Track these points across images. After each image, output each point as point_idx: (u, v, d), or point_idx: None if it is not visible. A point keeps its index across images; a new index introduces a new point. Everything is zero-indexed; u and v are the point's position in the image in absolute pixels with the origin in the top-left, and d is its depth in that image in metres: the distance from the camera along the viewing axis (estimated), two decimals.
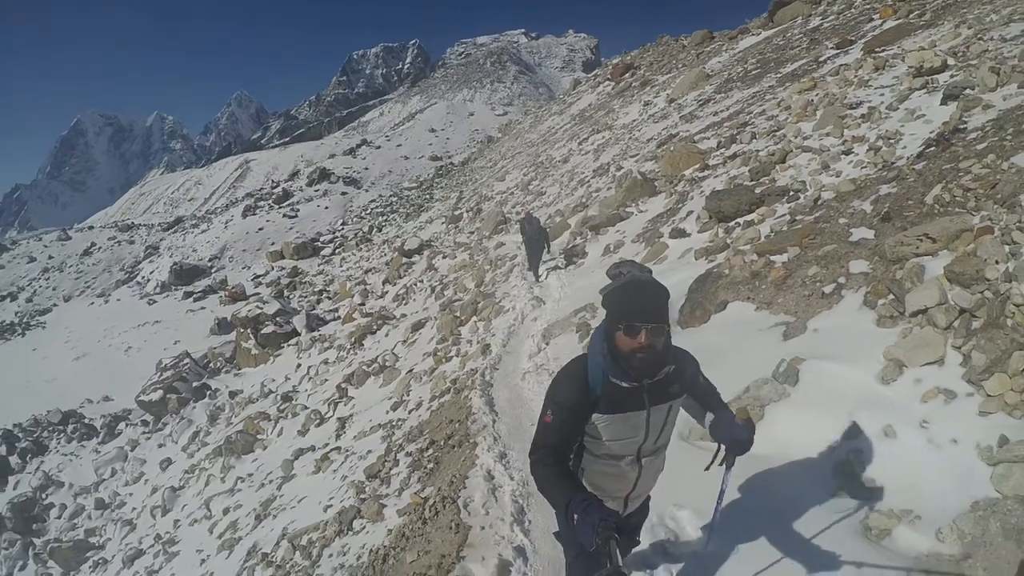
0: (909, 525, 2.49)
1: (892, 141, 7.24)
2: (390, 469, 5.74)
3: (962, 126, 6.28)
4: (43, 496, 20.75)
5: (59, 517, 19.49)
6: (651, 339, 1.87)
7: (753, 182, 8.75)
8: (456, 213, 34.31)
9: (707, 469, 2.35)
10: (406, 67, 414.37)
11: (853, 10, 21.87)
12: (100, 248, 69.71)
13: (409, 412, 7.98)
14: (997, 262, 3.19)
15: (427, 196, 56.05)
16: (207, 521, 10.60)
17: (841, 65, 13.91)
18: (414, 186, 65.64)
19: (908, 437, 2.77)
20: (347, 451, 7.97)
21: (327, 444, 9.19)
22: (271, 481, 9.71)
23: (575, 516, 1.79)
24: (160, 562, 10.63)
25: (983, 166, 4.53)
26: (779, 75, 18.33)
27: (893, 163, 6.26)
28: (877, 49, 13.42)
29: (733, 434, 2.17)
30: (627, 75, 45.42)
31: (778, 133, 10.86)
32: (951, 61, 9.50)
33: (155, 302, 45.26)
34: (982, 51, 9.11)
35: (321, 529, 5.42)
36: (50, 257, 68.29)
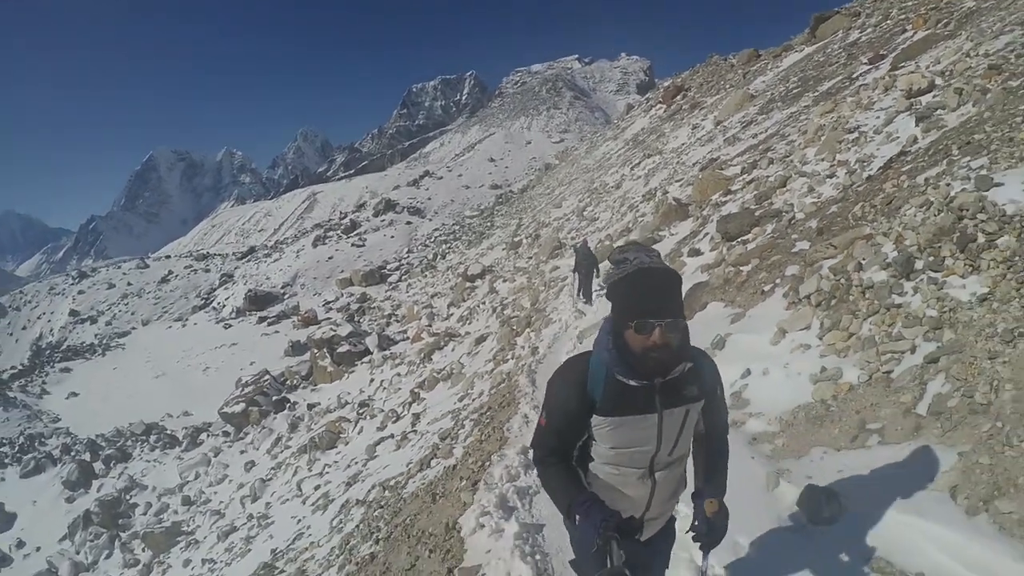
0: (755, 419, 4.16)
1: (864, 164, 8.65)
2: (458, 431, 7.68)
3: (910, 148, 7.75)
4: (128, 497, 22.48)
5: (144, 513, 21.15)
6: (666, 337, 1.70)
7: (757, 206, 10.27)
8: (516, 239, 35.88)
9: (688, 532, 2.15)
10: (464, 98, 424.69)
11: (889, 21, 22.07)
12: (177, 276, 74.11)
13: (473, 400, 9.92)
14: (864, 259, 4.81)
15: (488, 224, 58.01)
16: (298, 499, 12.32)
17: (861, 85, 14.94)
18: (475, 214, 68.18)
19: (775, 374, 4.40)
20: (423, 433, 9.94)
21: (404, 432, 11.17)
22: (357, 462, 11.60)
23: (577, 516, 1.81)
24: (255, 532, 12.26)
25: (893, 185, 6.09)
26: (815, 94, 18.76)
27: (852, 185, 7.79)
28: (901, 64, 13.75)
29: (699, 527, 2.01)
30: (678, 97, 46.22)
31: (788, 159, 12.29)
32: (939, 81, 10.20)
33: (231, 326, 48.25)
34: (965, 69, 9.76)
35: (406, 474, 7.37)
36: (129, 284, 72.74)
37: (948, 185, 4.80)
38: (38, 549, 20.83)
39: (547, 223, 34.64)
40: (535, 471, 4.63)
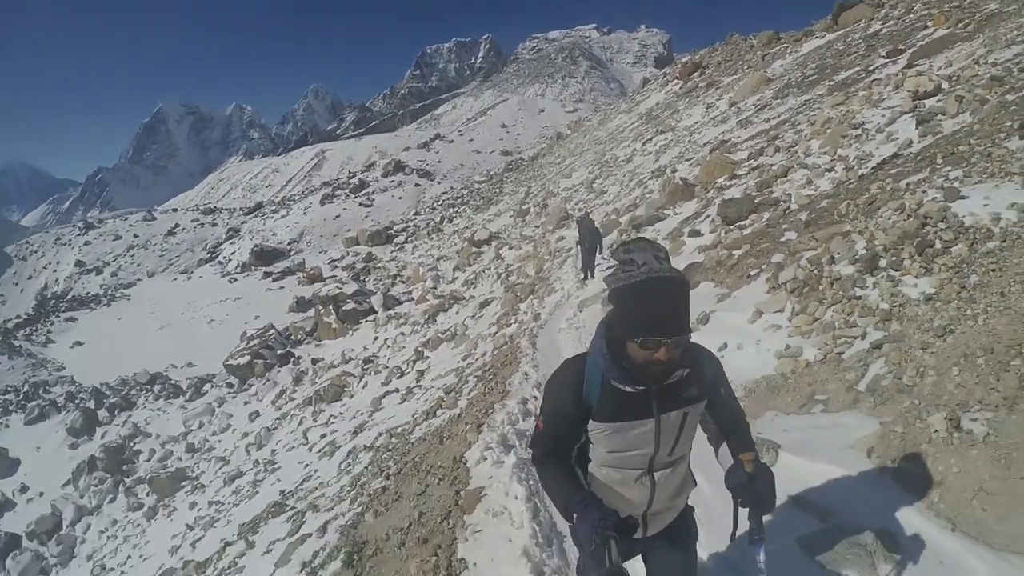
0: None
1: (861, 161, 9.08)
2: (462, 386, 8.33)
3: (904, 151, 8.19)
4: (132, 444, 23.18)
5: (148, 460, 21.80)
6: (672, 353, 1.68)
7: (757, 193, 10.73)
8: (524, 207, 36.32)
9: (732, 539, 2.12)
10: (479, 61, 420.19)
11: (911, 15, 21.86)
12: (184, 229, 75.12)
13: (476, 359, 10.57)
14: (837, 254, 5.34)
15: (497, 190, 58.28)
16: (304, 447, 12.95)
17: (874, 80, 15.16)
18: (484, 180, 68.40)
19: (748, 348, 4.96)
20: (427, 388, 10.61)
21: (409, 387, 11.85)
22: (362, 414, 12.26)
23: (574, 516, 1.80)
24: (261, 476, 12.81)
25: (878, 187, 6.58)
26: (831, 83, 18.67)
27: (846, 182, 8.26)
28: (917, 61, 13.69)
29: (740, 483, 1.91)
30: (695, 74, 45.93)
31: (793, 148, 12.68)
32: (945, 85, 10.36)
33: (236, 280, 49.04)
34: (971, 76, 9.88)
35: (412, 422, 8.03)
36: (135, 236, 73.80)
37: (924, 192, 5.30)
38: (41, 494, 21.48)
39: (556, 193, 35.04)
40: (533, 420, 5.07)
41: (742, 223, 9.62)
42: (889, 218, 5.18)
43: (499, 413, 5.60)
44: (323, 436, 12.61)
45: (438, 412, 7.66)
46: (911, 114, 9.64)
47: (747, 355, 4.84)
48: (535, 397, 6.17)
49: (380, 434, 8.79)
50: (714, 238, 9.96)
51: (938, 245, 4.30)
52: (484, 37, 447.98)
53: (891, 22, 23.10)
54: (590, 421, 1.87)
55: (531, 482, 4.26)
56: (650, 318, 1.63)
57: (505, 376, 7.21)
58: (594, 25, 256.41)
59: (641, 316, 1.65)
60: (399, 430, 8.21)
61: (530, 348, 8.57)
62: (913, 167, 6.76)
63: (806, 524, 2.82)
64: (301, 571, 5.01)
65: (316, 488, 8.05)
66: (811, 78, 21.66)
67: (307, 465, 10.91)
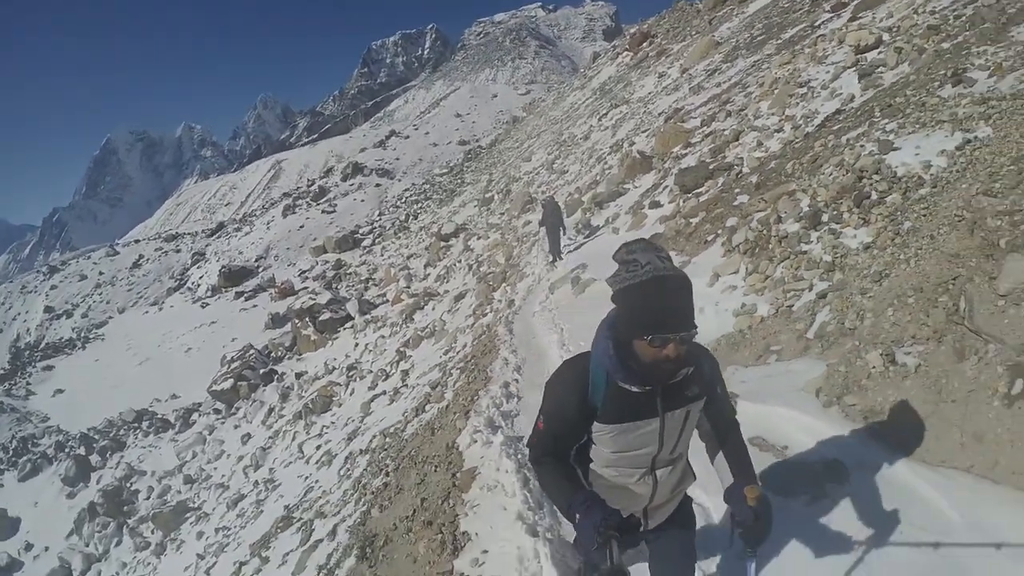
0: None
1: (808, 120, 9.42)
2: (447, 379, 8.62)
3: (846, 107, 8.57)
4: (129, 484, 22.95)
5: (147, 498, 21.64)
6: (680, 350, 1.68)
7: (711, 159, 11.08)
8: (487, 196, 36.51)
9: (730, 547, 2.17)
10: (426, 52, 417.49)
11: None
12: (148, 259, 73.78)
13: (458, 352, 10.85)
14: (784, 213, 5.67)
15: (458, 181, 58.21)
16: (301, 460, 13.17)
17: (819, 36, 15.41)
18: (445, 172, 68.23)
19: (708, 310, 5.26)
20: (413, 386, 10.87)
21: (395, 388, 12.09)
22: (354, 420, 12.48)
23: (576, 516, 1.80)
24: (264, 495, 12.94)
25: (821, 145, 6.94)
26: (778, 42, 18.72)
27: (793, 141, 8.62)
28: (861, 14, 13.59)
29: (743, 517, 1.91)
30: (644, 45, 46.07)
31: (743, 111, 13.02)
32: (886, 37, 10.51)
33: (208, 304, 48.56)
34: (911, 26, 10.09)
35: (403, 420, 8.30)
36: (100, 273, 72.23)
37: (862, 147, 5.65)
38: (47, 549, 21.30)
39: (518, 178, 35.29)
40: (516, 402, 5.33)
41: (699, 191, 9.95)
42: (830, 174, 5.53)
43: (484, 399, 5.94)
44: (318, 447, 12.81)
45: (427, 407, 7.95)
46: (854, 68, 9.91)
47: (707, 316, 5.14)
48: (516, 380, 6.51)
49: (374, 436, 9.04)
50: (673, 208, 10.28)
51: (874, 196, 4.65)
52: (429, 27, 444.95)
53: None
54: (594, 423, 1.88)
55: (519, 456, 4.63)
56: (659, 316, 1.64)
57: (486, 364, 7.54)
58: (539, 3, 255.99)
59: (650, 314, 1.65)
60: (392, 430, 8.48)
61: (507, 334, 8.93)
62: (853, 122, 7.12)
63: (763, 461, 3.14)
64: (318, 574, 5.25)
65: (320, 497, 8.29)
66: (759, 38, 21.83)
67: (307, 477, 11.10)
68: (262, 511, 11.81)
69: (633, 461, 1.93)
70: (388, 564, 4.16)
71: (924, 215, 3.98)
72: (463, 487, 4.35)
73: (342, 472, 8.80)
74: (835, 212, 4.87)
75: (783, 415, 3.32)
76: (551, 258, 13.46)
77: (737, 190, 7.59)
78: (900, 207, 4.31)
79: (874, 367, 3.14)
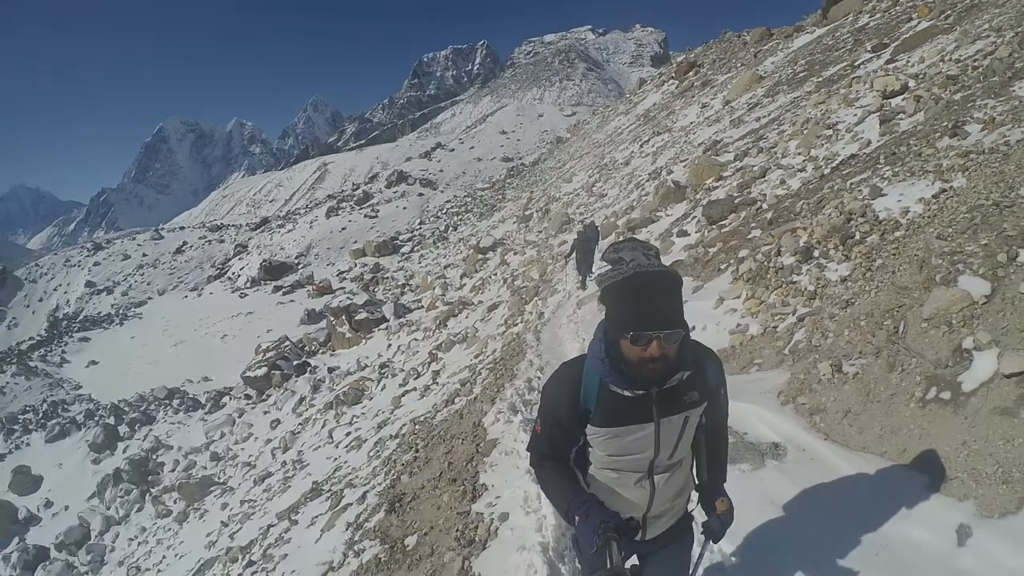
0: None
1: (828, 162, 10.01)
2: (475, 377, 9.43)
3: (861, 151, 9.18)
4: (155, 456, 23.96)
5: (172, 470, 22.50)
6: (664, 349, 1.65)
7: (738, 194, 11.72)
8: (527, 213, 37.11)
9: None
10: (476, 68, 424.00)
11: (898, 7, 21.53)
12: (192, 247, 76.53)
13: (487, 356, 11.66)
14: (783, 248, 6.36)
15: (499, 196, 59.45)
16: (330, 445, 13.81)
17: (854, 78, 15.86)
18: (487, 187, 69.64)
19: (710, 329, 5.96)
20: (444, 384, 11.68)
21: (426, 385, 12.90)
22: (384, 412, 13.29)
23: (576, 518, 1.82)
24: (291, 473, 13.57)
25: (830, 187, 7.59)
26: (819, 79, 18.77)
27: (808, 183, 9.25)
28: (899, 56, 14.03)
29: (711, 525, 2.07)
30: (690, 73, 46.39)
31: (773, 149, 13.64)
32: (912, 84, 11.02)
33: (246, 295, 50.27)
34: (936, 73, 10.56)
35: (433, 411, 9.11)
36: (144, 255, 75.20)
37: (858, 191, 6.33)
38: (66, 508, 22.17)
39: (557, 197, 35.78)
40: (536, 394, 6.07)
41: (723, 223, 10.60)
42: (828, 215, 6.20)
43: (508, 389, 6.77)
44: (348, 434, 13.56)
45: (456, 399, 8.74)
46: (878, 114, 10.23)
47: (708, 333, 5.84)
48: (539, 377, 7.32)
49: (404, 424, 9.85)
50: (698, 237, 10.92)
51: (857, 236, 5.33)
52: (480, 43, 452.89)
53: (878, 15, 22.95)
54: (588, 426, 1.89)
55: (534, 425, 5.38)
56: (638, 312, 1.62)
57: (513, 365, 8.35)
58: (589, 27, 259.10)
59: (629, 311, 1.65)
60: (422, 418, 9.28)
61: (535, 341, 9.77)
62: (861, 167, 7.76)
63: None
64: (347, 530, 6.03)
65: (349, 473, 9.09)
66: (800, 75, 21.78)
67: (336, 459, 11.81)
68: (289, 486, 12.41)
69: (630, 465, 1.93)
70: (415, 512, 4.94)
71: (893, 254, 4.65)
72: (485, 452, 5.16)
73: (371, 454, 9.56)
74: (824, 249, 5.55)
75: (749, 410, 4.02)
76: (580, 279, 13.83)
77: (753, 224, 8.27)
78: (876, 246, 4.98)
79: (824, 375, 3.86)
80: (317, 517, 7.58)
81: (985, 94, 7.47)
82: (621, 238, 15.10)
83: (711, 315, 6.19)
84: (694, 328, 6.42)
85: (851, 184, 6.94)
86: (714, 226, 10.81)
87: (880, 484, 3.04)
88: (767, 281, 5.89)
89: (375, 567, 4.50)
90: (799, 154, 11.61)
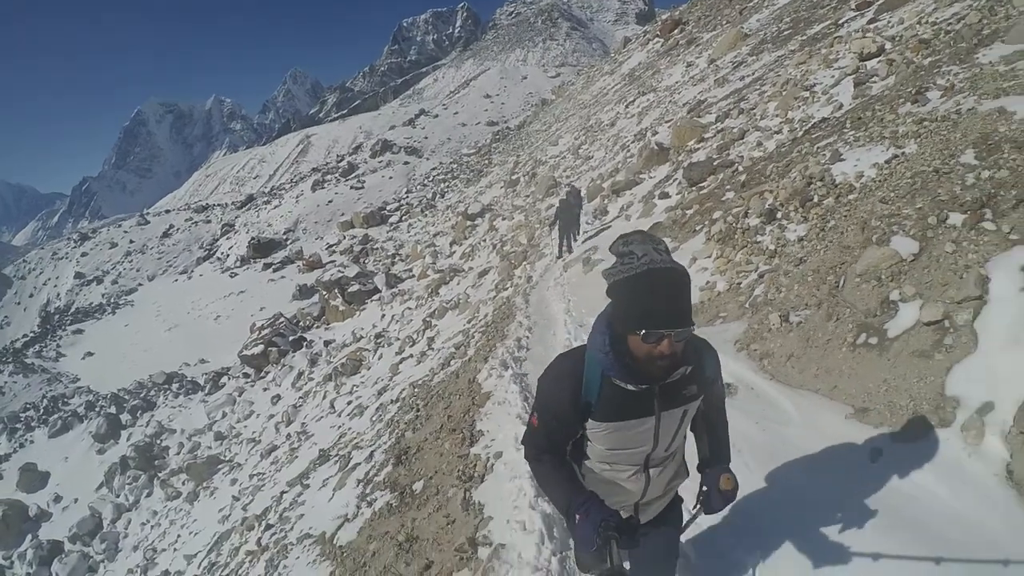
0: None
1: (803, 124, 10.42)
2: (469, 340, 10.00)
3: (833, 115, 9.62)
4: (159, 441, 24.21)
5: (178, 453, 22.71)
6: (675, 346, 1.66)
7: (717, 156, 12.16)
8: (513, 178, 37.53)
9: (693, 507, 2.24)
10: (457, 31, 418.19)
11: None
12: (178, 229, 76.47)
13: (479, 321, 12.23)
14: (751, 210, 6.86)
15: (486, 162, 59.54)
16: (332, 415, 14.34)
17: (835, 37, 16.04)
18: (473, 152, 69.58)
19: None
20: (439, 349, 12.25)
21: (422, 352, 13.47)
22: (383, 379, 13.86)
23: (576, 517, 1.82)
24: (297, 444, 14.01)
25: (799, 151, 8.06)
26: (803, 37, 18.75)
27: (781, 146, 9.71)
28: (882, 15, 13.90)
29: (712, 501, 2.07)
30: (675, 31, 46.18)
31: (752, 111, 14.01)
32: (888, 46, 11.20)
33: (236, 275, 50.59)
34: (911, 36, 10.63)
35: (430, 375, 9.68)
36: (131, 241, 75.19)
37: (822, 155, 6.80)
38: (76, 500, 22.38)
39: (544, 161, 36.06)
40: (525, 351, 6.63)
41: (702, 184, 11.08)
42: (792, 179, 6.69)
43: (499, 348, 7.39)
44: (349, 403, 14.12)
45: (452, 362, 9.33)
46: (853, 76, 10.52)
47: None
48: (527, 336, 7.94)
49: (403, 389, 10.43)
50: (678, 199, 11.41)
51: (815, 199, 5.83)
52: (460, 5, 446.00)
53: None
54: (588, 420, 1.89)
55: (522, 384, 6.08)
56: (652, 310, 1.61)
57: (503, 326, 8.93)
58: None
59: (642, 308, 1.62)
60: (420, 382, 9.86)
61: (523, 303, 10.40)
62: (829, 131, 8.20)
63: None
64: (358, 485, 6.61)
65: (354, 438, 9.68)
66: (785, 32, 21.81)
67: (339, 427, 12.35)
68: (296, 456, 12.83)
69: (627, 458, 1.96)
70: (420, 462, 5.52)
71: (844, 216, 5.15)
72: (480, 404, 5.75)
73: (374, 418, 10.15)
74: (786, 211, 6.05)
75: None
76: (559, 254, 13.98)
77: (728, 187, 8.76)
78: (831, 209, 5.48)
79: (773, 325, 4.42)
80: (328, 479, 8.13)
81: (951, 60, 7.77)
82: (610, 200, 15.55)
83: None
84: None
85: (817, 148, 7.39)
86: (694, 188, 11.29)
87: (812, 415, 3.61)
88: (735, 241, 6.41)
89: (387, 512, 5.06)
90: (777, 116, 12.00)
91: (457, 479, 4.58)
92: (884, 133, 6.27)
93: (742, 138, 12.27)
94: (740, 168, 9.95)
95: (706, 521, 3.05)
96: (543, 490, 2.10)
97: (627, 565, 2.31)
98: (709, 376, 1.95)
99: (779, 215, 6.11)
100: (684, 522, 2.32)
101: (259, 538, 8.29)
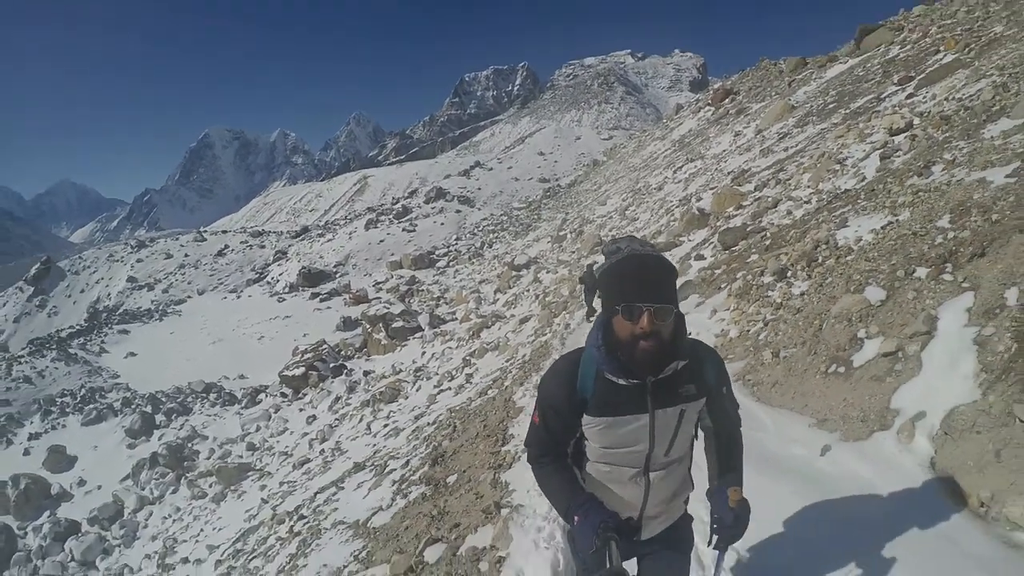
0: None
1: (830, 195, 11.18)
2: (507, 375, 10.87)
3: (855, 187, 10.36)
4: (190, 444, 24.93)
5: (208, 458, 23.30)
6: (655, 322, 1.68)
7: (751, 223, 12.94)
8: (560, 234, 38.45)
9: (709, 545, 2.16)
10: (516, 88, 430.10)
11: (927, 39, 21.54)
12: (233, 250, 79.44)
13: (518, 360, 13.11)
14: (767, 269, 7.65)
15: (535, 216, 60.88)
16: (368, 435, 14.96)
17: (873, 112, 16.05)
18: (523, 206, 71.21)
19: (702, 335, 7.15)
20: (477, 383, 13.09)
21: (460, 385, 14.32)
22: (419, 407, 14.66)
23: (576, 518, 1.85)
24: (331, 459, 14.49)
25: (816, 219, 8.85)
26: (847, 111, 19.02)
27: (807, 214, 10.46)
28: (922, 90, 14.47)
29: (722, 517, 2.03)
30: (726, 101, 46.97)
31: (789, 181, 14.80)
32: (916, 122, 11.70)
33: (284, 300, 52.41)
34: (938, 112, 11.21)
35: (467, 402, 10.55)
36: (186, 255, 78.18)
37: (833, 222, 7.61)
38: (99, 487, 23.18)
39: (591, 220, 36.97)
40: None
41: (734, 248, 11.85)
42: (805, 243, 7.50)
43: (533, 376, 8.19)
44: (385, 425, 14.88)
45: (489, 391, 10.19)
46: (880, 151, 11.20)
47: (701, 339, 7.17)
48: None
49: (440, 414, 11.27)
50: (711, 261, 12.16)
51: (820, 260, 6.63)
52: (521, 64, 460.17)
53: (908, 47, 22.90)
54: (584, 415, 1.91)
55: None
56: (629, 287, 1.69)
57: (539, 362, 9.79)
58: (629, 51, 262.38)
59: (622, 286, 1.71)
60: (458, 407, 10.71)
61: (559, 344, 11.31)
62: (847, 201, 8.98)
63: None
64: (392, 486, 7.43)
65: (390, 453, 10.51)
66: (830, 106, 22.02)
67: (374, 446, 13.10)
68: (329, 468, 13.37)
69: (625, 458, 1.95)
70: (455, 461, 6.34)
71: (840, 274, 5.93)
72: (513, 416, 6.58)
73: (410, 437, 10.97)
74: (795, 270, 6.84)
75: None
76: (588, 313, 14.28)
77: (754, 250, 9.56)
78: (831, 268, 6.26)
79: (766, 360, 5.23)
80: (363, 482, 8.93)
81: (961, 135, 8.38)
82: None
83: (705, 324, 7.50)
84: (689, 334, 7.72)
85: (834, 216, 8.19)
86: (727, 251, 12.03)
87: (782, 425, 4.39)
88: (750, 296, 7.20)
89: (421, 500, 5.86)
90: (808, 187, 12.57)
91: (488, 468, 5.39)
92: (886, 203, 7.02)
93: (775, 206, 12.89)
94: (768, 234, 10.71)
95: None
96: (544, 493, 2.09)
97: None
98: (710, 381, 1.96)
99: (789, 274, 6.90)
100: (703, 547, 2.32)
101: (291, 527, 9.01)
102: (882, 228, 6.26)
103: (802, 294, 6.20)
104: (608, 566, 1.75)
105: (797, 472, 3.74)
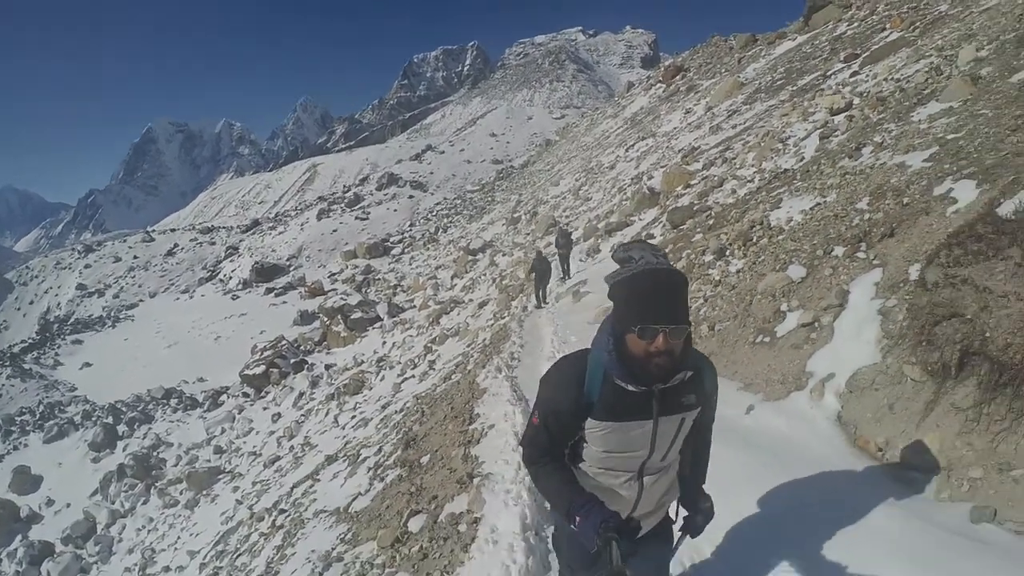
0: None
1: (771, 174, 11.86)
2: (468, 359, 11.38)
3: (793, 167, 11.07)
4: (156, 453, 24.62)
5: (175, 465, 23.09)
6: (670, 343, 1.70)
7: (697, 202, 13.63)
8: (515, 216, 39.08)
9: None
10: (466, 69, 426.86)
11: (875, 16, 22.53)
12: (183, 249, 77.66)
13: (478, 344, 13.62)
14: (708, 248, 8.28)
15: (489, 199, 61.32)
16: (336, 428, 15.26)
17: (817, 90, 16.50)
18: (477, 189, 71.52)
19: None
20: (440, 370, 13.55)
21: (424, 372, 14.78)
22: (385, 397, 15.05)
23: (577, 518, 1.85)
24: (301, 455, 14.63)
25: (755, 200, 9.52)
26: (793, 88, 19.96)
27: (749, 193, 11.16)
28: (865, 68, 15.14)
29: (701, 519, 2.22)
30: (677, 78, 47.68)
31: (734, 160, 15.50)
32: (856, 102, 12.33)
33: (238, 297, 51.74)
34: (876, 92, 11.84)
35: (433, 388, 11.02)
36: (135, 257, 76.22)
37: (768, 203, 8.26)
38: (68, 505, 22.79)
39: (545, 200, 37.66)
40: (516, 361, 8.04)
41: (681, 227, 12.52)
42: (743, 223, 8.15)
43: (495, 358, 8.76)
44: (353, 417, 15.21)
45: (453, 376, 10.68)
46: (820, 130, 11.64)
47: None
48: (519, 350, 9.23)
49: (407, 401, 11.71)
50: (661, 240, 12.80)
51: (754, 239, 7.27)
52: (471, 44, 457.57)
53: (856, 24, 23.95)
54: (588, 419, 1.91)
55: (513, 383, 7.39)
56: (647, 306, 1.68)
57: (499, 345, 10.33)
58: (580, 28, 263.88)
59: (638, 305, 1.70)
60: (424, 394, 11.16)
61: (517, 327, 11.88)
62: (784, 182, 9.65)
63: None
64: (368, 472, 7.86)
65: (361, 442, 10.90)
66: (778, 83, 23.01)
67: (344, 438, 13.40)
68: (301, 463, 13.61)
69: (622, 463, 1.98)
70: (427, 443, 6.82)
71: (771, 252, 6.57)
72: (478, 396, 7.07)
73: (379, 426, 11.37)
74: (732, 249, 7.49)
75: None
76: (562, 276, 16.20)
77: (699, 229, 10.22)
78: (764, 247, 6.91)
79: (703, 333, 5.84)
80: (338, 472, 9.33)
81: (893, 118, 8.88)
82: (602, 240, 17.05)
83: None
84: None
85: (771, 196, 8.85)
86: (675, 230, 12.69)
87: (723, 394, 4.97)
88: (692, 274, 7.81)
89: (398, 482, 6.34)
90: (752, 166, 13.25)
91: (458, 445, 5.89)
92: (817, 184, 7.65)
93: (720, 185, 13.61)
94: (712, 213, 11.37)
95: None
96: (542, 494, 2.11)
97: None
98: (707, 390, 2.00)
99: (727, 252, 7.54)
100: (674, 543, 2.37)
101: (272, 521, 9.37)
102: (810, 209, 6.89)
103: (737, 272, 6.83)
104: (610, 566, 1.77)
105: (728, 429, 4.33)
